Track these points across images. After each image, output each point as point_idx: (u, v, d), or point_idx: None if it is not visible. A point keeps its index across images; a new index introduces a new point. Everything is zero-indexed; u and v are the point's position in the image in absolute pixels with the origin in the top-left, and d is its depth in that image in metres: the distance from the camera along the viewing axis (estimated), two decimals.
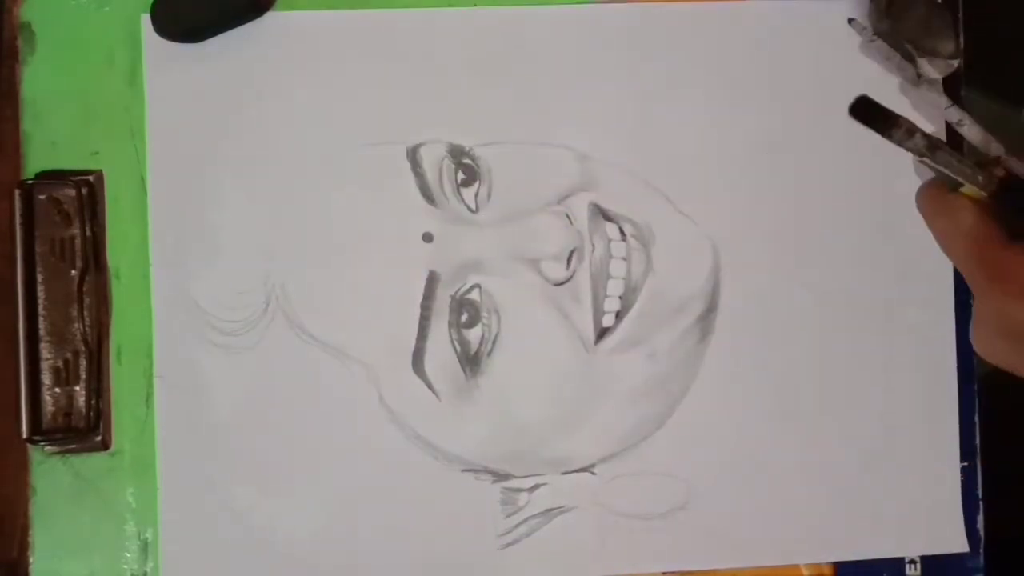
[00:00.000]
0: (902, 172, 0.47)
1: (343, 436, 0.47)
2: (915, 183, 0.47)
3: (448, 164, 0.47)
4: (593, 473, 0.46)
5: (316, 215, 0.46)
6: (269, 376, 0.47)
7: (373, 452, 0.47)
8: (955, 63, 0.46)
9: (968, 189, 0.34)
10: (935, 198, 0.35)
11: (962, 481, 0.46)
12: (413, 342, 0.46)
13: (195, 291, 0.47)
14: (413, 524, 0.47)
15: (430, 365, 0.46)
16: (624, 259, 0.46)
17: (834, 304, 0.47)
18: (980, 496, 0.47)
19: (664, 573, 0.47)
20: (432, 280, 0.46)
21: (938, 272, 0.47)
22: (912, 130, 0.33)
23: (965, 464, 0.47)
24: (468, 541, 0.46)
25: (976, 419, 0.47)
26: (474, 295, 0.46)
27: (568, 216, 0.46)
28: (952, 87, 0.47)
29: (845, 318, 0.47)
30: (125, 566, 0.48)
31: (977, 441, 0.47)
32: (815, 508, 0.46)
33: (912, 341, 0.47)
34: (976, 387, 0.47)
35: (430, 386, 0.46)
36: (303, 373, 0.47)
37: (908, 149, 0.33)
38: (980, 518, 0.47)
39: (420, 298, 0.46)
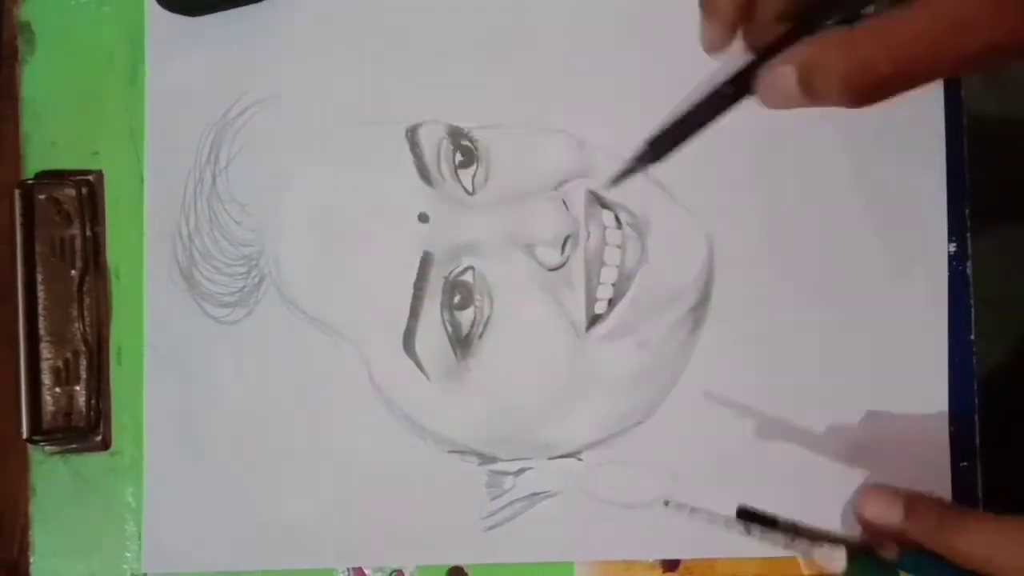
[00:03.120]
0: (899, 170, 0.47)
1: (331, 413, 0.47)
2: (912, 181, 0.47)
3: (447, 145, 0.47)
4: (579, 459, 0.46)
5: (312, 191, 0.47)
6: (259, 351, 0.47)
7: (361, 430, 0.47)
8: None
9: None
10: None
11: (961, 481, 0.46)
12: (405, 322, 0.47)
13: (188, 262, 0.48)
14: (397, 504, 0.47)
15: (421, 345, 0.46)
16: (619, 247, 0.46)
17: (827, 300, 0.47)
18: (980, 496, 0.47)
19: (662, 562, 0.46)
20: (426, 261, 0.47)
21: (933, 270, 0.47)
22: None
23: (965, 464, 0.47)
24: (452, 522, 0.46)
25: (976, 419, 0.47)
26: (467, 277, 0.46)
27: (564, 202, 0.46)
28: (952, 88, 0.47)
29: (838, 314, 0.47)
30: (125, 566, 0.48)
31: (977, 441, 0.47)
32: (802, 502, 0.46)
33: (905, 339, 0.47)
34: (976, 387, 0.47)
35: (420, 366, 0.46)
36: (294, 349, 0.47)
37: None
38: None
39: (413, 278, 0.47)
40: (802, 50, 0.29)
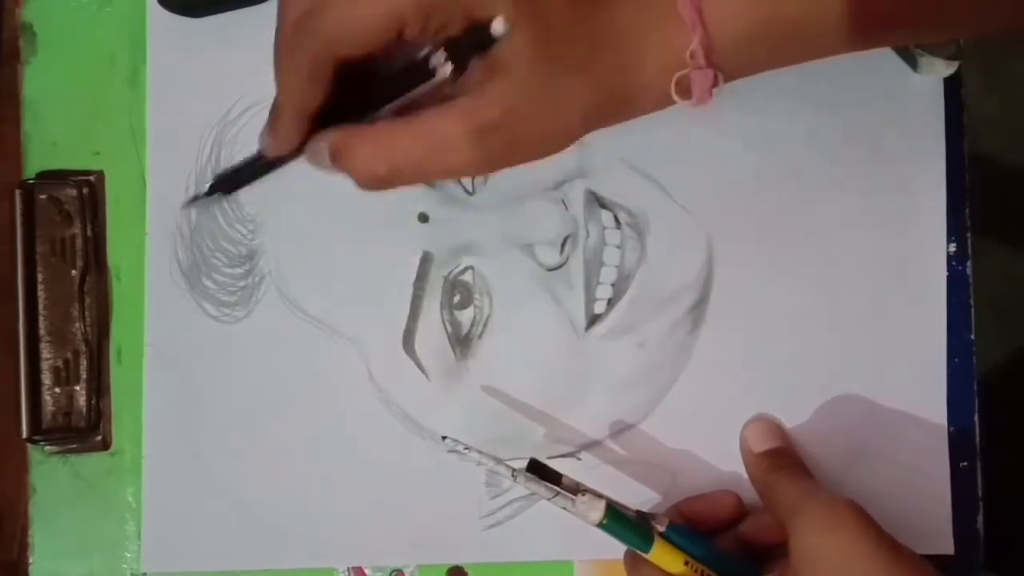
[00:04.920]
0: (899, 170, 0.47)
1: (331, 413, 0.47)
2: (912, 181, 0.47)
3: None
4: (578, 459, 0.46)
5: (313, 191, 0.47)
6: (259, 350, 0.47)
7: (361, 430, 0.47)
8: (956, 64, 0.46)
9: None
10: (631, 562, 0.42)
11: (962, 481, 0.46)
12: (404, 322, 0.47)
13: (189, 262, 0.48)
14: (398, 503, 0.47)
15: (420, 345, 0.47)
16: (618, 247, 0.46)
17: (826, 300, 0.47)
18: (980, 496, 0.47)
19: None
20: (426, 260, 0.47)
21: (931, 270, 0.47)
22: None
23: (965, 464, 0.47)
24: (452, 521, 0.46)
25: (976, 419, 0.47)
26: (467, 277, 0.47)
27: (564, 202, 0.46)
28: (952, 88, 0.47)
29: (837, 314, 0.47)
30: (125, 566, 0.48)
31: (977, 441, 0.47)
32: None
33: (903, 339, 0.47)
34: (976, 387, 0.47)
35: (420, 366, 0.47)
36: (294, 349, 0.47)
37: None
38: (980, 518, 0.47)
39: (413, 278, 0.47)
40: (338, 131, 0.34)
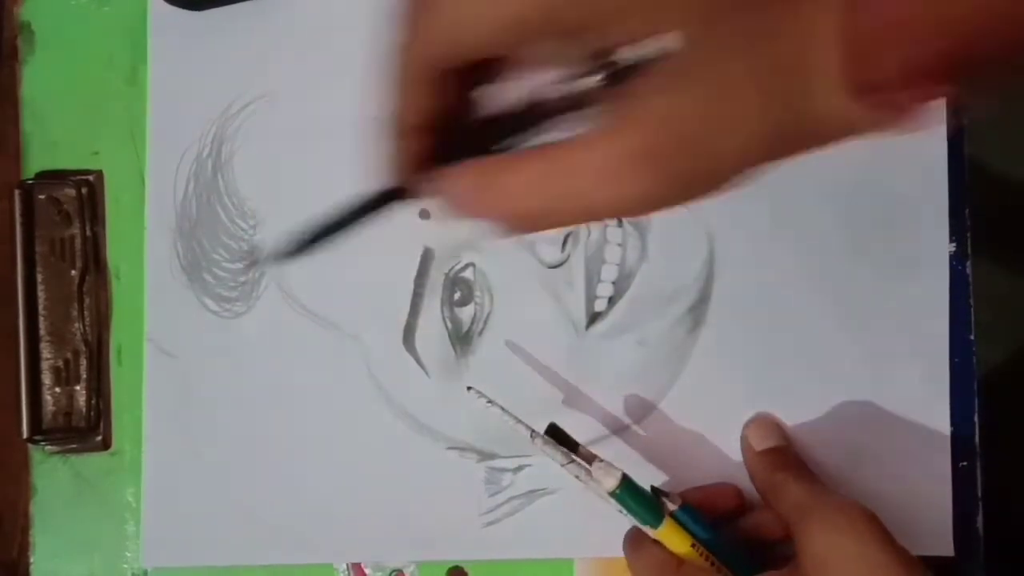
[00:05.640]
0: (900, 169, 0.47)
1: (331, 409, 0.47)
2: (912, 181, 0.47)
3: None
4: None
5: (314, 186, 0.47)
6: (259, 346, 0.47)
7: (360, 426, 0.47)
8: None
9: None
10: (632, 544, 0.42)
11: (961, 481, 0.46)
12: (405, 318, 0.47)
13: (189, 257, 0.48)
14: (397, 499, 0.47)
15: (421, 342, 0.47)
16: (619, 245, 0.46)
17: (827, 299, 0.47)
18: (980, 496, 0.47)
19: None
20: (427, 257, 0.47)
21: (933, 270, 0.47)
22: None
23: (964, 464, 0.46)
24: (451, 518, 0.46)
25: (976, 419, 0.47)
26: (468, 274, 0.47)
27: None
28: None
29: (838, 314, 0.47)
30: (125, 566, 0.48)
31: (977, 441, 0.47)
32: None
33: (905, 339, 0.47)
34: (976, 387, 0.47)
35: (420, 363, 0.47)
36: (294, 344, 0.47)
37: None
38: (980, 518, 0.47)
39: (414, 274, 0.47)
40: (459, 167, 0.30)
